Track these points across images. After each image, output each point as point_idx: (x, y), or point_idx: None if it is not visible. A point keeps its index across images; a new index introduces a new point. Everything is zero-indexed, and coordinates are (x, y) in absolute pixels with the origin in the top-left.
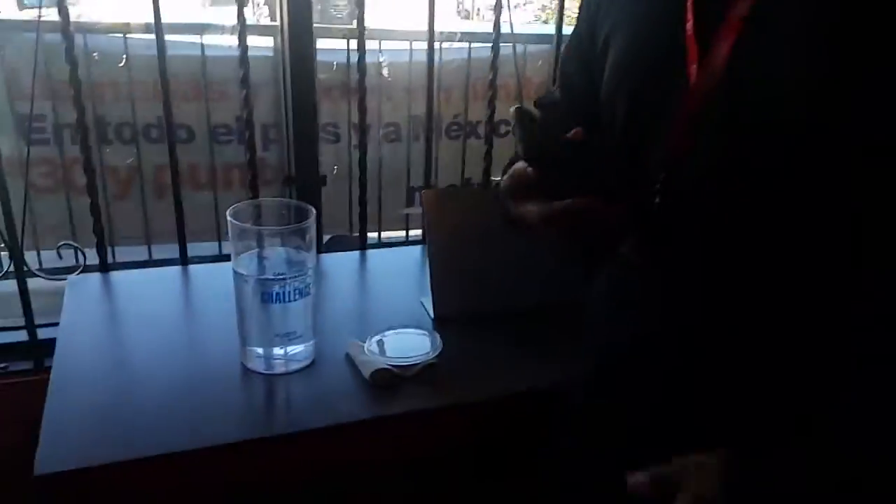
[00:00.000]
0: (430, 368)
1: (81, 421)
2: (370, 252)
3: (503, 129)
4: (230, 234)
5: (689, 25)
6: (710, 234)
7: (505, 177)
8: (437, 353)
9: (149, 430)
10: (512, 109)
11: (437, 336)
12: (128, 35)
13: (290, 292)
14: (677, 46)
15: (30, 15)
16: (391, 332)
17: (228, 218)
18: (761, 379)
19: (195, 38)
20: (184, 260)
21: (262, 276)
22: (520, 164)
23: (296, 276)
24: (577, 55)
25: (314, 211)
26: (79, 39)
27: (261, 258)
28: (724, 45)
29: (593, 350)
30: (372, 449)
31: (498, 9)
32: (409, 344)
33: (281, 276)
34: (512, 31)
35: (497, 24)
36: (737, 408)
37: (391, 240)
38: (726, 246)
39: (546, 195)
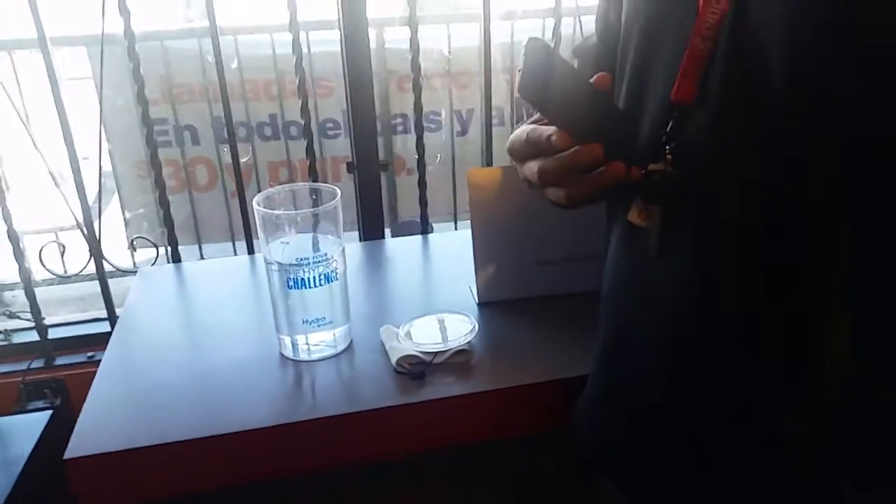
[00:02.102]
0: (462, 354)
1: (120, 406)
2: (433, 236)
3: None
4: (256, 221)
5: None
6: (723, 201)
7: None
8: (468, 339)
9: (178, 415)
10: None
11: (474, 321)
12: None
13: (314, 278)
14: None
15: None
16: (428, 317)
17: (254, 205)
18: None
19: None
20: (250, 249)
21: (284, 262)
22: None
23: (319, 262)
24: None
25: (338, 193)
26: (192, 44)
27: (286, 244)
28: None
29: (602, 332)
30: (395, 437)
31: None
32: (444, 329)
33: (304, 262)
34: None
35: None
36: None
37: None
38: (743, 217)
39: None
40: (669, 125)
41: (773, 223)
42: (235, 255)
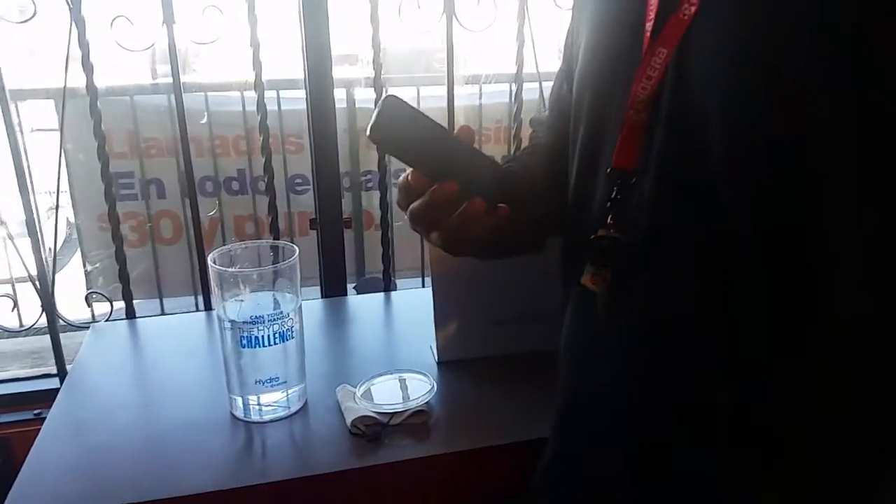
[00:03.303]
0: (420, 415)
1: (62, 467)
2: (396, 294)
3: None
4: (211, 279)
5: (650, 25)
6: (668, 265)
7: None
8: (426, 399)
9: (122, 477)
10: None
11: (433, 381)
12: (209, 93)
13: (267, 336)
14: (635, 49)
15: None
16: (386, 376)
17: (209, 262)
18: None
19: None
20: (207, 304)
21: (237, 320)
22: None
23: (274, 320)
24: (568, 73)
25: (296, 251)
26: (162, 99)
27: (241, 302)
28: (667, 48)
29: (560, 397)
30: (350, 501)
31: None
32: (402, 389)
33: (257, 320)
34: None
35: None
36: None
37: None
38: (685, 285)
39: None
40: (614, 192)
41: (716, 286)
42: (198, 309)
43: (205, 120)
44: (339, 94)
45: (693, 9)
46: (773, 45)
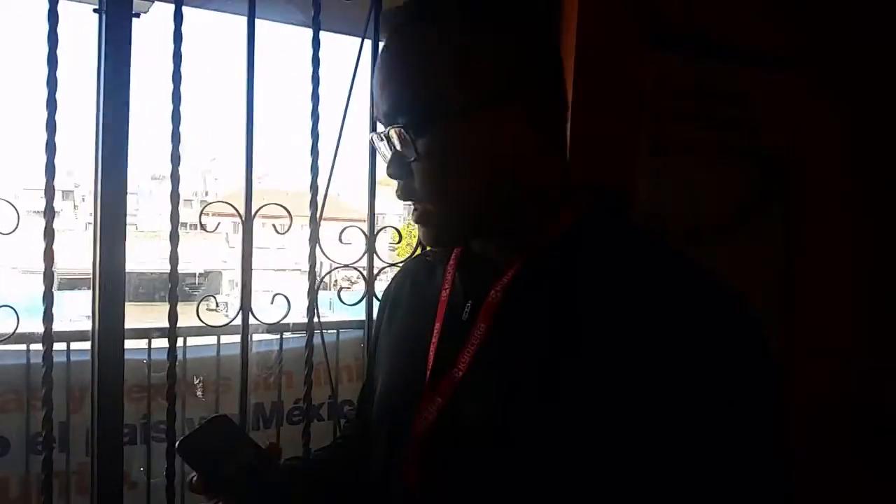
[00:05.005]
0: None
1: None
2: None
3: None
4: None
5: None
6: None
7: None
8: None
9: None
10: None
11: None
12: None
13: None
14: (418, 391)
15: None
16: None
17: None
18: None
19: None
20: None
21: None
22: None
23: None
24: (370, 389)
25: None
26: None
27: None
28: (441, 398)
29: None
30: None
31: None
32: None
33: None
34: (319, 319)
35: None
36: None
37: None
38: None
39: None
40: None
41: None
42: None
43: None
44: None
45: (460, 374)
46: (512, 410)
